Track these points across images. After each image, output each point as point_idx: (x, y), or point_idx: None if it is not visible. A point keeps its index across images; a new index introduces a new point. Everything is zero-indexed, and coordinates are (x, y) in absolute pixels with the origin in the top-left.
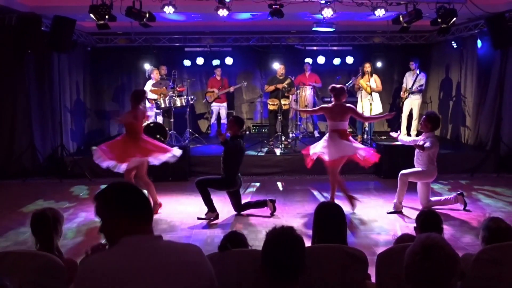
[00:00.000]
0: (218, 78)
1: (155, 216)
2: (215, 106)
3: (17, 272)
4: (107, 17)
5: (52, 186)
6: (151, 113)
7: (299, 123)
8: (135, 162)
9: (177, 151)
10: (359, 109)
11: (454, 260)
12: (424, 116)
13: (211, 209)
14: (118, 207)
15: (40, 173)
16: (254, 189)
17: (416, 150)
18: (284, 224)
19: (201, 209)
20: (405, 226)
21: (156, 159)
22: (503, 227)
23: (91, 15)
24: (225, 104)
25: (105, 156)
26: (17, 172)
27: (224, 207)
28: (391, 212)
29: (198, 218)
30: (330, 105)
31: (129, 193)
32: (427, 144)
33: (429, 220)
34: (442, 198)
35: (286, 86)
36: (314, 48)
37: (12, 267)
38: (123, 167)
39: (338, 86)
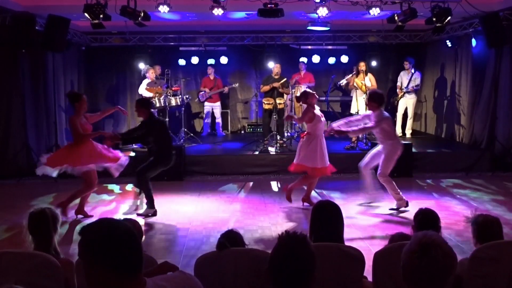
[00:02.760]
0: (211, 77)
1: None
2: (207, 105)
3: (13, 272)
4: (101, 16)
5: (47, 186)
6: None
7: (294, 122)
8: (88, 167)
9: (123, 159)
10: (354, 108)
11: (451, 258)
12: (367, 97)
13: (151, 206)
14: (104, 261)
15: (34, 173)
16: (250, 188)
17: (374, 131)
18: (280, 225)
19: (197, 208)
20: (400, 225)
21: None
22: (489, 218)
23: (86, 14)
24: (218, 103)
25: (54, 164)
26: (12, 172)
27: (219, 206)
28: (393, 209)
29: (138, 215)
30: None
31: (118, 241)
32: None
33: (427, 218)
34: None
35: (282, 83)
36: (309, 47)
37: (8, 267)
38: (77, 169)
39: (308, 91)
